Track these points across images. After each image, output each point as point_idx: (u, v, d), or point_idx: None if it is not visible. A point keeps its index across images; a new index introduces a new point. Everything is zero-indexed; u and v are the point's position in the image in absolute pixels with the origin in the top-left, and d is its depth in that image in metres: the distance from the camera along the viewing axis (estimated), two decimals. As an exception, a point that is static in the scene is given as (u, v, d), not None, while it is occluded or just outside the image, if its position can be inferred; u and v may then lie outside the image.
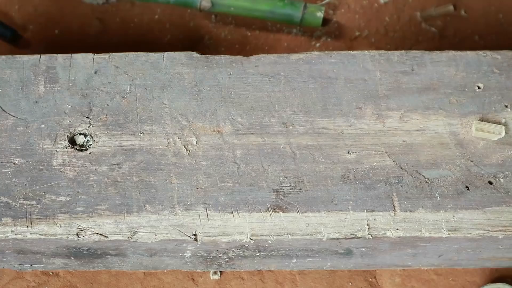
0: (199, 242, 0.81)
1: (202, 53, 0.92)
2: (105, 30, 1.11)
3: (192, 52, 0.91)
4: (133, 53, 0.91)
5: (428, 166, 0.85)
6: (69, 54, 0.90)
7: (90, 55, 0.90)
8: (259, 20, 1.12)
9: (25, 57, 0.90)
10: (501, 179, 0.85)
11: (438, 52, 0.91)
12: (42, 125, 0.86)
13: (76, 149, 0.85)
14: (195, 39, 1.11)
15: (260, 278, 0.94)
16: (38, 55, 0.90)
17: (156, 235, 0.81)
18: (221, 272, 0.94)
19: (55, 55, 0.90)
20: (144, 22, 1.12)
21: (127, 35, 1.11)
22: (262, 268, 0.92)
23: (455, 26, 1.13)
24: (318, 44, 1.11)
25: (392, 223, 0.82)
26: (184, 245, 0.83)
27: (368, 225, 0.82)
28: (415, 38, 1.12)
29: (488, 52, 0.92)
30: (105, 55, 0.90)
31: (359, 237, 0.82)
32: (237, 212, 0.82)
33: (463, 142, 0.87)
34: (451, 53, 0.91)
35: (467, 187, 0.84)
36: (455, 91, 0.89)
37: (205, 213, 0.82)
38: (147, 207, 0.82)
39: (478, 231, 0.82)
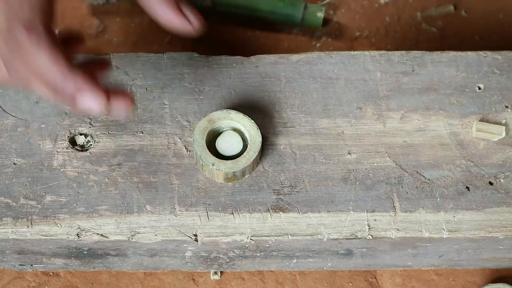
0: (199, 243, 0.81)
1: (202, 53, 0.92)
2: (105, 30, 1.11)
3: (193, 53, 0.91)
4: (133, 53, 0.91)
5: (429, 167, 0.85)
6: (70, 54, 0.90)
7: (91, 56, 0.90)
8: (260, 20, 1.11)
9: (26, 57, 0.90)
10: (502, 180, 0.85)
11: (438, 52, 0.91)
12: (43, 126, 0.86)
13: (77, 149, 0.85)
14: (196, 39, 1.11)
15: (260, 278, 0.94)
16: (39, 55, 0.90)
17: (156, 235, 0.81)
18: (221, 272, 0.94)
19: (55, 55, 0.90)
20: (144, 22, 1.12)
21: (127, 35, 1.11)
22: (263, 268, 0.92)
23: (456, 26, 1.13)
24: (318, 44, 1.11)
25: (392, 223, 0.82)
26: (185, 245, 0.83)
27: (369, 225, 0.82)
28: (415, 38, 1.12)
29: (489, 53, 0.92)
30: (106, 56, 0.90)
31: (360, 238, 0.82)
32: (238, 213, 0.82)
33: (463, 142, 0.87)
34: (452, 53, 0.91)
35: (467, 187, 0.84)
36: (455, 92, 0.89)
37: (206, 213, 0.82)
38: (148, 207, 0.82)
39: (478, 231, 0.82)
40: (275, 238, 0.81)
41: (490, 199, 0.84)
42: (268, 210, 0.82)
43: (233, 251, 0.84)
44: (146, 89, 0.88)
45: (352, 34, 1.12)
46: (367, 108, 0.88)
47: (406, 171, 0.85)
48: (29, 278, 0.93)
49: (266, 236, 0.81)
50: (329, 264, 0.90)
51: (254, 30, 1.12)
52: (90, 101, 0.70)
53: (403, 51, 0.91)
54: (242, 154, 0.82)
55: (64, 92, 0.70)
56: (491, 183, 0.85)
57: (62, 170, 0.84)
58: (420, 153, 0.86)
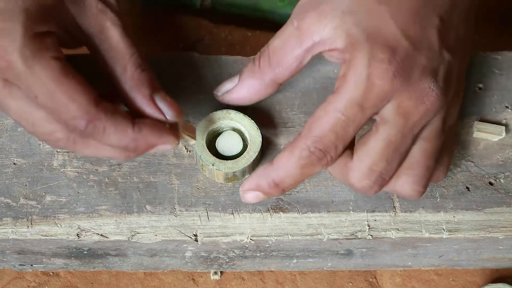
0: (199, 243, 0.81)
1: (202, 53, 0.92)
2: (105, 30, 1.11)
3: (193, 52, 0.91)
4: (133, 53, 0.91)
5: (429, 167, 0.85)
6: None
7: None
8: (260, 20, 1.11)
9: (26, 57, 0.89)
10: (502, 180, 0.85)
11: (438, 52, 0.91)
12: (43, 126, 0.86)
13: (77, 149, 0.85)
14: (195, 39, 1.11)
15: (260, 278, 0.94)
16: (39, 55, 0.90)
17: (156, 235, 0.81)
18: (221, 272, 0.94)
19: (55, 55, 0.90)
20: (144, 22, 1.12)
21: (128, 35, 1.11)
22: (263, 269, 0.92)
23: (456, 26, 1.13)
24: (318, 44, 1.11)
25: (392, 223, 0.82)
26: (185, 245, 0.83)
27: (369, 225, 0.82)
28: (415, 38, 1.12)
29: (489, 53, 0.92)
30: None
31: (360, 238, 0.82)
32: (238, 213, 0.82)
33: (463, 142, 0.87)
34: (452, 53, 0.91)
35: (467, 187, 0.84)
36: (455, 92, 0.89)
37: (206, 213, 0.82)
38: (148, 207, 0.82)
39: (478, 231, 0.82)
40: (275, 238, 0.81)
41: (490, 199, 0.84)
42: (268, 210, 0.82)
43: (233, 251, 0.84)
44: (146, 89, 0.88)
45: (352, 34, 1.12)
46: (367, 108, 0.88)
47: (406, 171, 0.85)
48: (29, 278, 0.93)
49: (266, 236, 0.81)
50: (329, 264, 0.90)
51: (254, 30, 1.12)
52: (163, 147, 0.73)
53: (403, 51, 0.91)
54: (242, 154, 0.82)
55: (136, 150, 0.72)
56: (491, 183, 0.85)
57: (62, 170, 0.84)
58: (420, 153, 0.86)
